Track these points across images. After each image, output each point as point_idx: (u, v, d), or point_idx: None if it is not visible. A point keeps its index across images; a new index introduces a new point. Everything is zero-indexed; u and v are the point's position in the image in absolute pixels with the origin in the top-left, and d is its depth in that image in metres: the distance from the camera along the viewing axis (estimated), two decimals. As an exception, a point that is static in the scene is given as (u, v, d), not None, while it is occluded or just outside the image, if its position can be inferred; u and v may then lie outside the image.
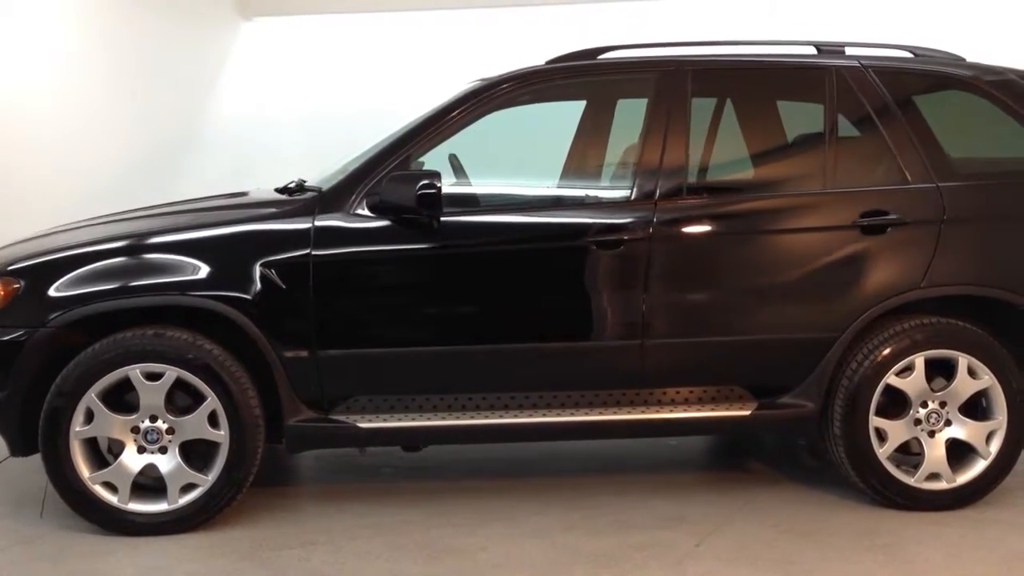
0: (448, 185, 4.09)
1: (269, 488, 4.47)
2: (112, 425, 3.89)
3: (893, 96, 4.24)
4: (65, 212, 5.09)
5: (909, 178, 4.18)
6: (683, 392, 4.18)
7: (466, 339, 4.06)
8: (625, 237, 4.01)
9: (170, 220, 4.17)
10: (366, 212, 3.97)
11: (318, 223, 3.95)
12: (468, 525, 4.05)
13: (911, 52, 4.49)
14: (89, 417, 3.87)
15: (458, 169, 4.74)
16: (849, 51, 4.39)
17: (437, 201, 3.86)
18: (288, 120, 7.51)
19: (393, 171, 3.95)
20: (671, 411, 4.14)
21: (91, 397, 3.84)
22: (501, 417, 4.07)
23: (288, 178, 4.47)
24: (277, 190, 4.36)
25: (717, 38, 4.54)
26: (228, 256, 3.94)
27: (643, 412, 4.13)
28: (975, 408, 4.23)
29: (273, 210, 4.07)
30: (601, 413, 4.11)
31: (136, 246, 3.98)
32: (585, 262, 4.03)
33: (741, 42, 4.39)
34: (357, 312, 4.00)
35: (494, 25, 7.20)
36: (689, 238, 4.10)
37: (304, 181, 4.42)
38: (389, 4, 7.24)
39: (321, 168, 4.50)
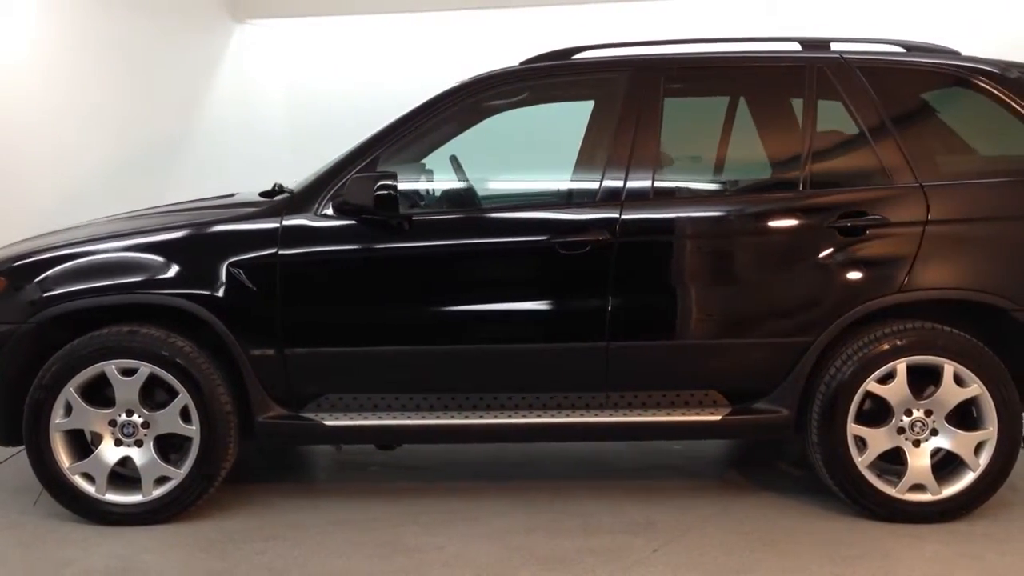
0: (406, 184, 4.14)
1: (254, 483, 4.57)
2: (90, 418, 4.04)
3: (878, 92, 4.10)
4: (56, 213, 5.27)
5: (892, 178, 4.03)
6: (655, 396, 4.12)
7: (429, 339, 4.07)
8: (589, 238, 3.97)
9: (147, 221, 4.29)
10: (332, 213, 4.03)
11: (285, 223, 4.03)
12: (434, 524, 4.08)
13: (903, 47, 4.33)
14: (68, 410, 4.02)
15: (458, 169, 4.78)
16: (835, 47, 4.26)
17: (394, 202, 3.89)
18: (280, 123, 7.64)
19: (357, 173, 3.99)
20: (639, 415, 4.08)
21: (69, 391, 4.00)
22: (467, 418, 4.08)
23: (280, 181, 4.56)
24: (260, 194, 4.45)
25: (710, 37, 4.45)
26: (198, 256, 4.05)
27: (611, 415, 4.08)
28: (968, 417, 4.06)
29: (244, 211, 4.17)
30: (568, 415, 4.09)
31: (112, 247, 4.12)
32: (549, 263, 4.00)
33: (721, 39, 4.30)
34: (321, 311, 4.06)
35: (487, 26, 7.21)
36: (655, 239, 4.04)
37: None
38: (381, 6, 7.30)
39: (309, 171, 4.57)
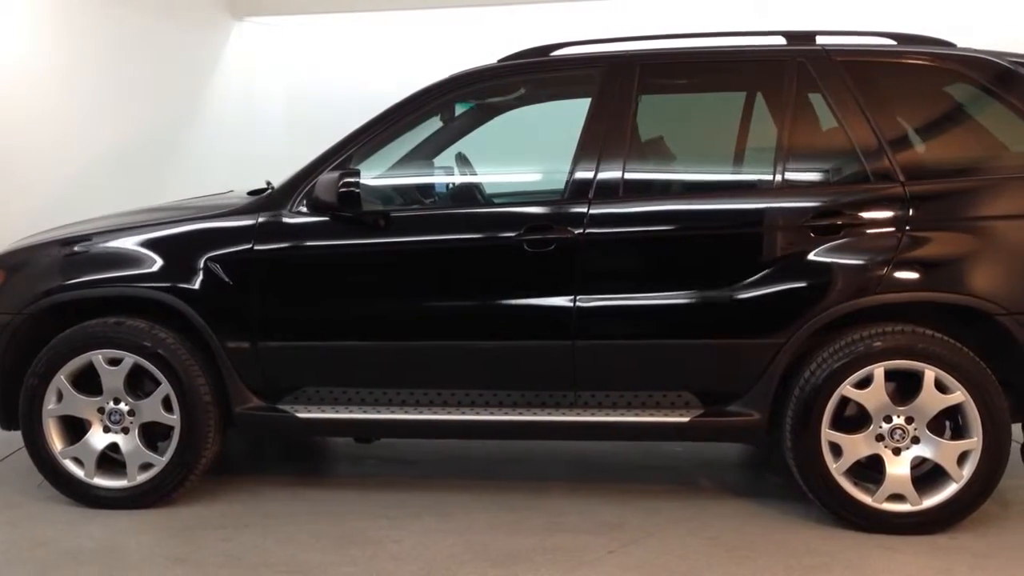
0: (373, 179, 4.19)
1: (250, 473, 4.71)
2: (79, 405, 4.22)
3: (861, 85, 3.95)
4: (55, 209, 5.43)
5: (871, 176, 3.89)
6: (626, 395, 4.06)
7: (398, 335, 4.11)
8: (555, 235, 3.95)
9: (137, 218, 4.46)
10: (305, 210, 4.11)
11: (261, 220, 4.14)
12: (403, 518, 4.12)
13: (894, 39, 4.17)
14: (60, 397, 4.22)
15: (466, 166, 4.83)
16: (821, 40, 4.13)
17: (357, 199, 3.95)
18: (279, 119, 7.77)
19: (328, 171, 4.05)
20: (607, 415, 4.04)
21: (60, 379, 4.19)
22: (436, 414, 4.10)
23: (277, 177, 4.67)
24: (249, 192, 4.56)
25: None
26: (179, 251, 4.19)
27: (578, 415, 4.05)
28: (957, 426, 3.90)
29: (226, 209, 4.29)
30: (536, 414, 4.07)
31: (101, 242, 4.30)
32: (515, 259, 3.99)
33: (702, 34, 4.20)
34: (293, 305, 4.15)
35: (488, 23, 7.19)
36: (622, 237, 3.99)
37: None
38: (380, 4, 7.35)
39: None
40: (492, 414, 4.08)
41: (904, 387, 3.87)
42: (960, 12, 6.42)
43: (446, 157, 4.70)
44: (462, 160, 4.85)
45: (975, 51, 4.04)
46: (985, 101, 3.98)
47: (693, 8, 6.65)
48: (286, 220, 4.12)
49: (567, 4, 6.87)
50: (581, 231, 3.95)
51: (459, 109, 4.82)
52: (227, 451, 5.06)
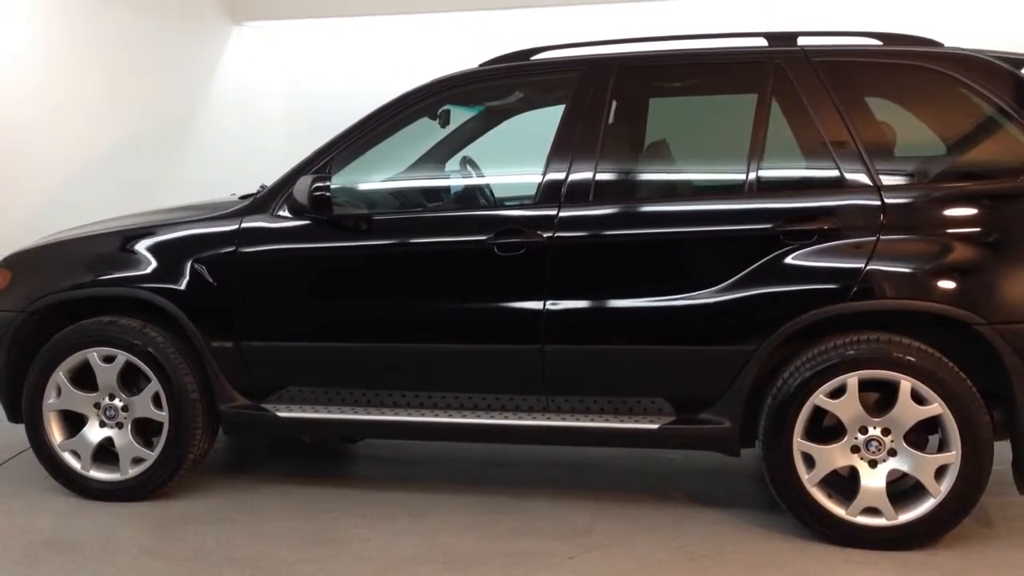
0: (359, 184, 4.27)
1: (247, 469, 4.82)
2: (77, 400, 4.39)
3: (839, 88, 3.85)
4: (55, 212, 5.61)
5: (847, 180, 3.78)
6: (600, 401, 4.03)
7: (373, 337, 4.17)
8: (526, 239, 3.95)
9: (132, 221, 4.61)
10: (286, 214, 4.20)
11: (244, 224, 4.25)
12: (377, 518, 4.17)
13: (879, 39, 4.04)
14: (59, 392, 4.39)
15: (473, 168, 4.87)
16: (803, 41, 4.03)
17: (327, 202, 4.02)
18: (278, 124, 7.85)
19: (304, 175, 4.13)
20: (577, 419, 4.02)
21: (59, 375, 4.37)
22: (410, 415, 4.14)
23: (269, 182, 4.77)
24: (241, 197, 4.67)
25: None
26: (169, 254, 4.32)
27: (549, 419, 4.05)
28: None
29: (212, 213, 4.41)
30: (507, 417, 4.08)
31: (97, 245, 4.49)
32: (486, 263, 4.00)
33: (684, 36, 4.15)
34: (272, 306, 4.24)
35: (483, 27, 7.16)
36: (591, 242, 3.97)
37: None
38: (378, 8, 7.39)
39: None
40: (464, 417, 4.10)
41: (886, 398, 3.76)
42: (977, 11, 6.17)
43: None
44: (468, 164, 4.89)
45: (960, 50, 3.90)
46: (971, 102, 3.82)
47: (705, 7, 6.51)
48: (268, 224, 4.22)
49: (571, 7, 6.82)
50: (551, 235, 3.94)
51: (468, 114, 4.87)
52: (236, 448, 5.24)
